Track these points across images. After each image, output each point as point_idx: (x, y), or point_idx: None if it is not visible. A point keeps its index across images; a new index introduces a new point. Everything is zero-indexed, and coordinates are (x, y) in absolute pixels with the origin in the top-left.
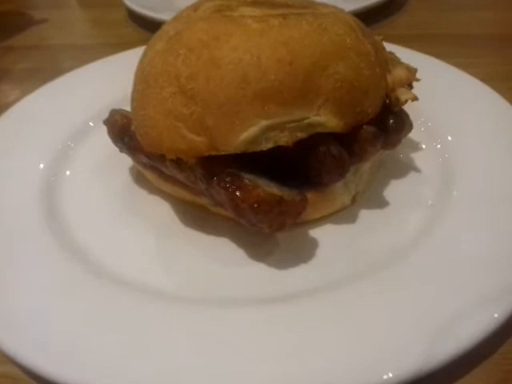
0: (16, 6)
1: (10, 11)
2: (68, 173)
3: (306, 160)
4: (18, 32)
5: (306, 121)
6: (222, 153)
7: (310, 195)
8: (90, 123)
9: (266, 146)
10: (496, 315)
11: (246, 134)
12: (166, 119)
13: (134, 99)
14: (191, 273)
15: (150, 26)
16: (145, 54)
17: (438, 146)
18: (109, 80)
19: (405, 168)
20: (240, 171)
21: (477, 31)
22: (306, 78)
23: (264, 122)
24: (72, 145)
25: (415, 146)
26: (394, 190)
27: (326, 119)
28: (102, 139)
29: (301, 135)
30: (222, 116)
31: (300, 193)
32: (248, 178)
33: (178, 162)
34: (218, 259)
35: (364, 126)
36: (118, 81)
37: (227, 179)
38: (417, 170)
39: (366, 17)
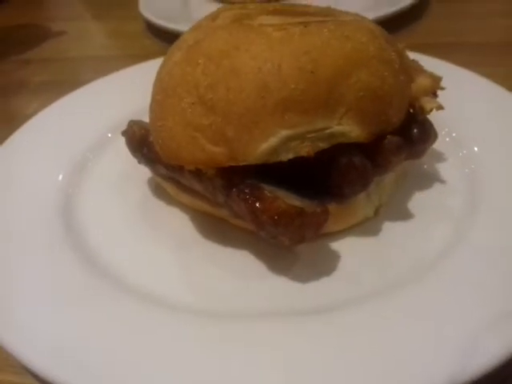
0: (33, 19)
1: (27, 24)
2: (87, 184)
3: (328, 171)
4: (36, 45)
5: (327, 131)
6: (242, 163)
7: (331, 207)
8: (109, 134)
9: (287, 156)
10: None
11: (266, 145)
12: (184, 130)
13: (152, 110)
14: (210, 286)
15: (169, 37)
16: (163, 65)
17: (464, 157)
18: (128, 91)
19: (430, 179)
20: (260, 182)
21: (496, 39)
22: (328, 86)
23: (284, 132)
24: (91, 156)
25: (440, 157)
26: (419, 202)
27: (348, 129)
28: (121, 151)
29: (322, 145)
30: (241, 126)
31: (321, 204)
32: (268, 190)
33: (197, 173)
34: (238, 272)
35: (388, 136)
36: (137, 92)
37: (247, 190)
38: (442, 181)
39: (386, 25)
